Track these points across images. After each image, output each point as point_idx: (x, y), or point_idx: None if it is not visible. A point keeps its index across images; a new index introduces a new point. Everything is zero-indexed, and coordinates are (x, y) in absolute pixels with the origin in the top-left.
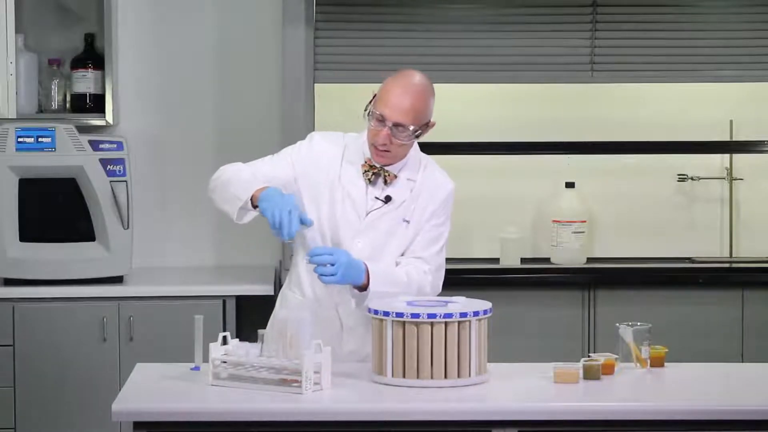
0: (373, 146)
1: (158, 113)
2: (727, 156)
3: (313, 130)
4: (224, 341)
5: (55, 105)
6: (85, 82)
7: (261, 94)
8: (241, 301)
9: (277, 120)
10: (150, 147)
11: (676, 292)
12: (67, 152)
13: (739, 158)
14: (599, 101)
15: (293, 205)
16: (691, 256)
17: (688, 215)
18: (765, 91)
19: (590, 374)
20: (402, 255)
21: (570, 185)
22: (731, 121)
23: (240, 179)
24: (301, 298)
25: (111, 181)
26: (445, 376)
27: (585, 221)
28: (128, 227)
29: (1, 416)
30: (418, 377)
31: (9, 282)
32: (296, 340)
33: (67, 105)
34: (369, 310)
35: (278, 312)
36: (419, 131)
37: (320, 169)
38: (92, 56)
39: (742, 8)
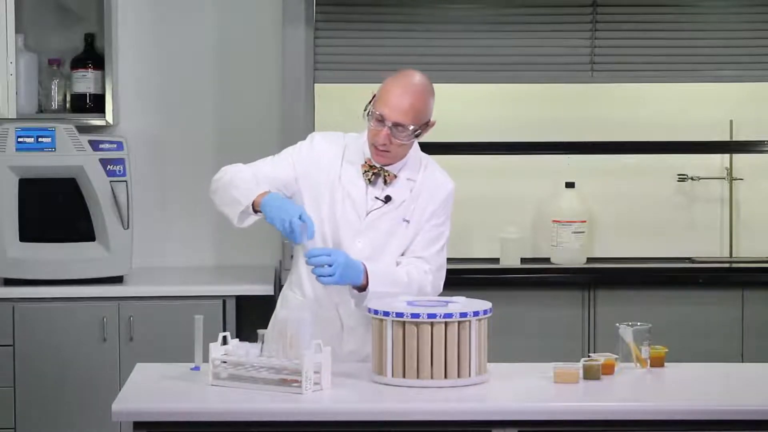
0: (373, 146)
1: (158, 113)
2: (727, 156)
3: (313, 130)
4: (224, 341)
5: (55, 105)
6: (85, 82)
7: (261, 94)
8: (241, 301)
9: (277, 120)
10: (150, 147)
11: (676, 292)
12: (67, 152)
13: (739, 158)
14: (599, 101)
15: (302, 210)
16: (691, 256)
17: (688, 215)
18: (765, 91)
19: (590, 374)
20: (402, 255)
21: (570, 185)
22: (731, 121)
23: (242, 182)
24: (301, 298)
25: (111, 181)
26: (445, 376)
27: (585, 221)
28: (128, 227)
29: (1, 416)
30: (418, 377)
31: (9, 282)
32: (296, 340)
33: (67, 105)
34: (369, 310)
35: (279, 312)
36: (419, 131)
37: (321, 169)
38: (92, 56)
39: (742, 8)
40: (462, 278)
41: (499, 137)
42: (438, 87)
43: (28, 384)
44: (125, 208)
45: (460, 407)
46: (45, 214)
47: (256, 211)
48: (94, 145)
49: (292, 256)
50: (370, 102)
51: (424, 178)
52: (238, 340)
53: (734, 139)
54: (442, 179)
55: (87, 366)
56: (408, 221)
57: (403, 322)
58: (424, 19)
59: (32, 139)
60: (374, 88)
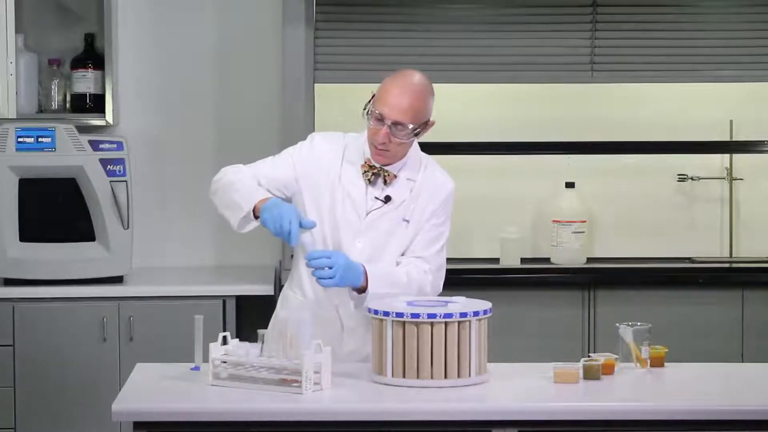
0: (373, 145)
1: (158, 113)
2: (727, 156)
3: (313, 130)
4: (224, 341)
5: (55, 105)
6: (85, 82)
7: (261, 94)
8: (241, 301)
9: (277, 120)
10: (150, 147)
11: (676, 292)
12: (67, 152)
13: (739, 158)
14: (599, 101)
15: (292, 214)
16: (691, 256)
17: (688, 215)
18: (765, 91)
19: (590, 374)
20: (402, 255)
21: (570, 185)
22: (731, 121)
23: (242, 185)
24: (301, 298)
25: (111, 181)
26: (445, 376)
27: (585, 221)
28: (128, 227)
29: (1, 416)
30: (418, 377)
31: (9, 282)
32: (296, 341)
33: (67, 105)
34: (369, 310)
35: (279, 312)
36: (418, 130)
37: (321, 169)
38: (92, 56)
39: (742, 8)
40: (462, 278)
41: (499, 137)
42: (438, 87)
43: (28, 384)
44: (125, 208)
45: (460, 407)
46: (45, 214)
47: (256, 216)
48: (94, 145)
49: (292, 256)
50: (369, 101)
51: (424, 178)
52: (238, 340)
53: (734, 139)
54: (442, 179)
55: (87, 366)
56: (408, 221)
57: (403, 322)
58: (424, 19)
59: (32, 139)
60: (374, 88)
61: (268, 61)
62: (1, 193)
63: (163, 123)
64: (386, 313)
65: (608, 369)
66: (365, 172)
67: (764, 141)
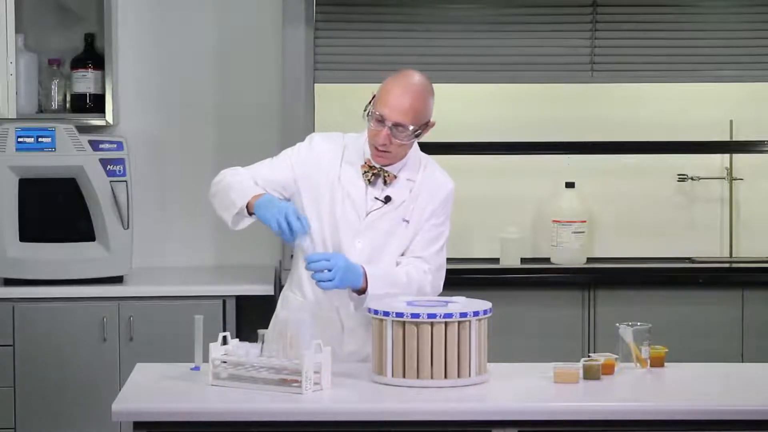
0: (373, 147)
1: (158, 113)
2: (727, 156)
3: (313, 130)
4: (224, 341)
5: (55, 105)
6: (85, 82)
7: (261, 94)
8: (241, 301)
9: (277, 120)
10: (150, 147)
11: (676, 292)
12: (67, 152)
13: (739, 158)
14: (599, 101)
15: (289, 208)
16: (691, 256)
17: (688, 215)
18: (765, 91)
19: (590, 374)
20: (402, 255)
21: (570, 185)
22: (731, 121)
23: (239, 185)
24: (301, 299)
25: (111, 181)
26: (445, 376)
27: (585, 221)
28: (128, 227)
29: (1, 416)
30: (418, 377)
31: (9, 282)
32: (296, 341)
33: (67, 105)
34: (369, 310)
35: (279, 312)
36: (419, 131)
37: (320, 170)
38: (92, 56)
39: (742, 8)
40: (462, 278)
41: (499, 137)
42: (438, 87)
43: (28, 384)
44: (125, 208)
45: (460, 407)
46: (45, 214)
47: (250, 213)
48: (94, 145)
49: (292, 256)
50: (369, 102)
51: (423, 178)
52: (238, 340)
53: (734, 139)
54: (442, 179)
55: (87, 366)
56: (407, 221)
57: (403, 322)
58: (424, 19)
59: (32, 139)
60: (374, 88)
61: (268, 61)
62: (1, 193)
63: (163, 123)
64: (386, 313)
65: (608, 369)
66: (365, 172)
67: (764, 141)
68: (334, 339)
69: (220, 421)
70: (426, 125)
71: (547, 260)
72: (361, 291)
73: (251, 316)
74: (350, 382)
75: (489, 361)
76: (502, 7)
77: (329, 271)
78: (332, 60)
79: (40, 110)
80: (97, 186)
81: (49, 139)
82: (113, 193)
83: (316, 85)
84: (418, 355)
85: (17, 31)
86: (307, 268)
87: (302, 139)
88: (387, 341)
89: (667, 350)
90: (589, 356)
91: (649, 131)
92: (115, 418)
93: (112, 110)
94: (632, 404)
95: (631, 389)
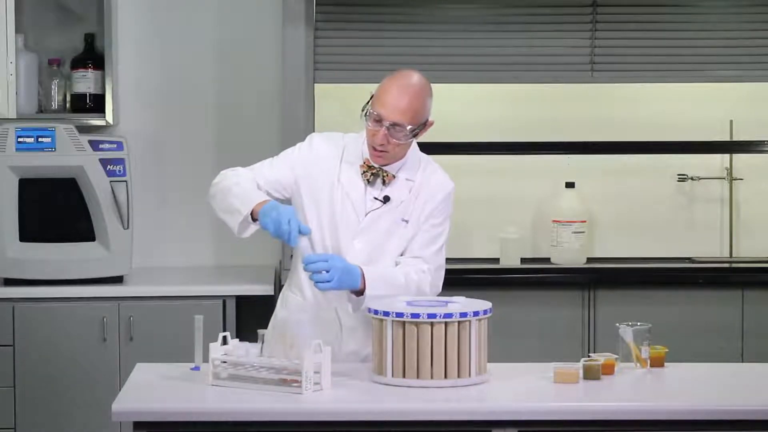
0: (371, 147)
1: (158, 113)
2: (727, 156)
3: (313, 130)
4: (224, 341)
5: (55, 105)
6: (85, 82)
7: (261, 94)
8: (241, 301)
9: (277, 120)
10: (150, 147)
11: (676, 292)
12: (67, 152)
13: (739, 158)
14: (599, 101)
15: (291, 214)
16: (691, 256)
17: (688, 215)
18: (765, 91)
19: (590, 374)
20: (402, 255)
21: (570, 185)
22: (731, 121)
23: (240, 189)
24: (301, 299)
25: (111, 181)
26: (445, 376)
27: (585, 221)
28: (128, 227)
29: (1, 416)
30: (418, 377)
31: (9, 282)
32: (296, 342)
33: (67, 105)
34: (369, 310)
35: (279, 312)
36: (417, 131)
37: (320, 170)
38: (92, 56)
39: (742, 8)
40: (462, 278)
41: (499, 137)
42: (438, 87)
43: (28, 384)
44: (125, 208)
45: (460, 407)
46: (45, 214)
47: (255, 219)
48: (94, 145)
49: (291, 256)
50: (367, 102)
51: (423, 178)
52: (238, 340)
53: (734, 139)
54: (442, 179)
55: (87, 366)
56: (407, 221)
57: (403, 322)
58: (424, 19)
59: (32, 139)
60: (374, 88)
61: (268, 61)
62: (1, 193)
63: (163, 123)
64: (386, 314)
65: (608, 369)
66: (364, 172)
67: (764, 141)
68: (333, 339)
69: (220, 421)
70: (424, 125)
71: (547, 260)
72: (360, 292)
73: (251, 316)
74: (350, 382)
75: (489, 361)
76: (502, 7)
77: (327, 272)
78: (332, 60)
79: (40, 110)
80: (97, 186)
81: (49, 139)
82: (113, 193)
83: (316, 85)
84: (418, 355)
85: (17, 31)
86: (305, 269)
87: (302, 139)
88: (387, 341)
89: (667, 350)
90: (589, 356)
91: (649, 131)
92: (115, 418)
93: (112, 110)
94: (632, 404)
95: (631, 389)
